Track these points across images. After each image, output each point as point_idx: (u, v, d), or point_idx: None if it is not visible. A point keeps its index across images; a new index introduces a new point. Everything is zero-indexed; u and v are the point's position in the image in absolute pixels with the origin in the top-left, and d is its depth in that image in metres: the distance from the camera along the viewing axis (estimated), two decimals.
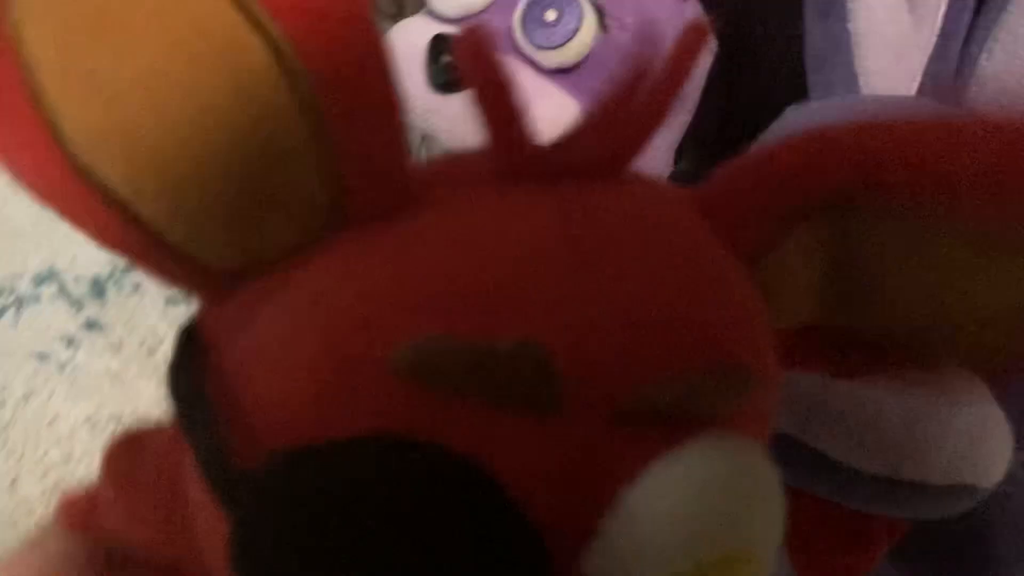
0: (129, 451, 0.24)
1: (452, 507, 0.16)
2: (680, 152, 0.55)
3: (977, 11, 0.38)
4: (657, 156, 0.55)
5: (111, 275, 0.58)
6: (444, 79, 0.49)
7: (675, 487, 0.16)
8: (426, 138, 0.54)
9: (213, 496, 0.18)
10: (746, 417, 0.19)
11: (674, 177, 0.75)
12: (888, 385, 0.31)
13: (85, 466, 0.53)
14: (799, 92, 0.39)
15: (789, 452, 0.33)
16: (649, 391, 0.17)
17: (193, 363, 0.19)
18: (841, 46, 0.38)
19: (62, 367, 0.56)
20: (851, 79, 0.38)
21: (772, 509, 0.18)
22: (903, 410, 0.31)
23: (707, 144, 0.72)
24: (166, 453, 0.22)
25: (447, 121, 0.51)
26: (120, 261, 0.58)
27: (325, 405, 0.17)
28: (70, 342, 0.57)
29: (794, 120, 0.38)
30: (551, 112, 0.48)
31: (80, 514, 0.25)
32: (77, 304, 0.58)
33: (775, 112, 0.38)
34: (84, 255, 0.59)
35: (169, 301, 0.58)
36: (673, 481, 0.16)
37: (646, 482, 0.16)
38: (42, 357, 0.56)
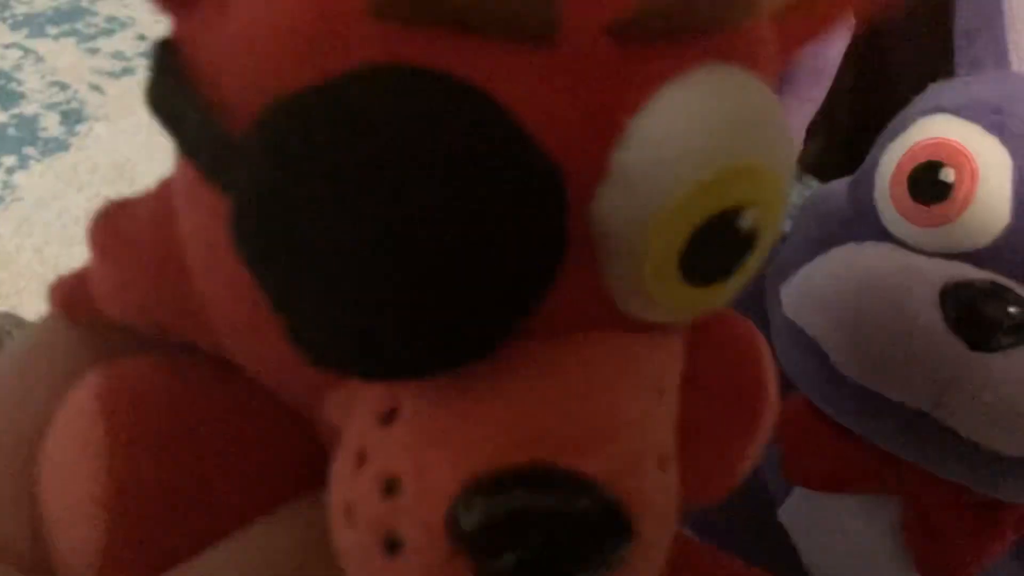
0: (114, 217, 0.23)
1: (468, 135, 0.15)
2: (810, 133, 0.53)
3: None
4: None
5: None
6: None
7: (686, 108, 0.16)
8: None
9: (210, 182, 0.17)
10: (748, 49, 0.17)
11: (803, 159, 0.72)
12: None
13: None
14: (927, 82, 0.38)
15: (920, 429, 0.32)
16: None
17: (171, 65, 0.18)
18: (993, 21, 0.36)
19: None
20: (1001, 55, 0.36)
21: (780, 129, 0.17)
22: None
23: (837, 127, 0.69)
24: (154, 211, 0.21)
25: None
26: None
27: (309, 53, 0.15)
28: None
29: (937, 94, 0.36)
30: None
31: (70, 294, 0.24)
32: None
33: (901, 102, 0.37)
34: None
35: None
36: (683, 102, 0.16)
37: (656, 106, 0.15)
38: None
